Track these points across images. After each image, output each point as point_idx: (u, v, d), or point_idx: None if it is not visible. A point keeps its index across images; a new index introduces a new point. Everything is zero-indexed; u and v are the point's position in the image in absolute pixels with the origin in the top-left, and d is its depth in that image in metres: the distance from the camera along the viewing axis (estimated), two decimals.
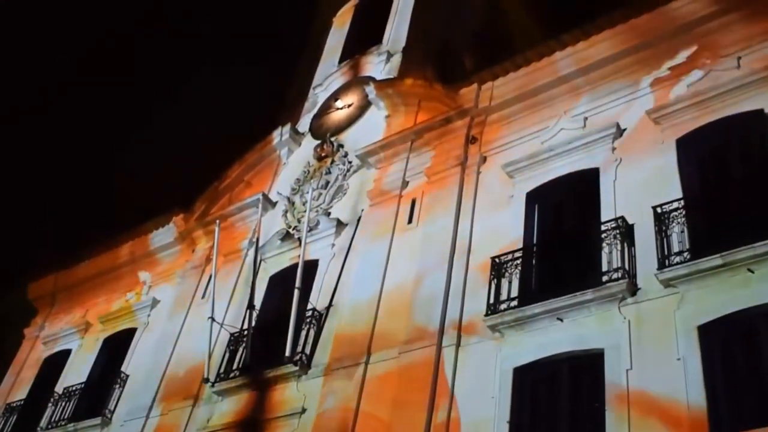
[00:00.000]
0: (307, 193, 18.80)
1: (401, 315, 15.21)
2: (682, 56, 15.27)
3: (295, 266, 17.18)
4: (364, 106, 20.59)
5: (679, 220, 12.79)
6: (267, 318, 17.71)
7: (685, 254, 12.35)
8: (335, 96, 21.88)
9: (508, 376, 13.05)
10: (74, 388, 20.84)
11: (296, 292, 16.21)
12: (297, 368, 15.80)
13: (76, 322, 23.55)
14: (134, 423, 18.36)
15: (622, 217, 13.54)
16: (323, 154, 20.21)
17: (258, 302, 17.92)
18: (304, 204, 19.06)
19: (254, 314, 17.35)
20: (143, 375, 19.43)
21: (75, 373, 21.74)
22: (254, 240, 19.31)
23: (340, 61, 23.41)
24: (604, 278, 12.90)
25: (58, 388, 21.42)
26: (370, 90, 20.21)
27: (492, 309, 13.86)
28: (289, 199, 20.03)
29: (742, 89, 13.86)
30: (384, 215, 17.44)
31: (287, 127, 21.70)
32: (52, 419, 20.47)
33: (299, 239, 18.09)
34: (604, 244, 13.34)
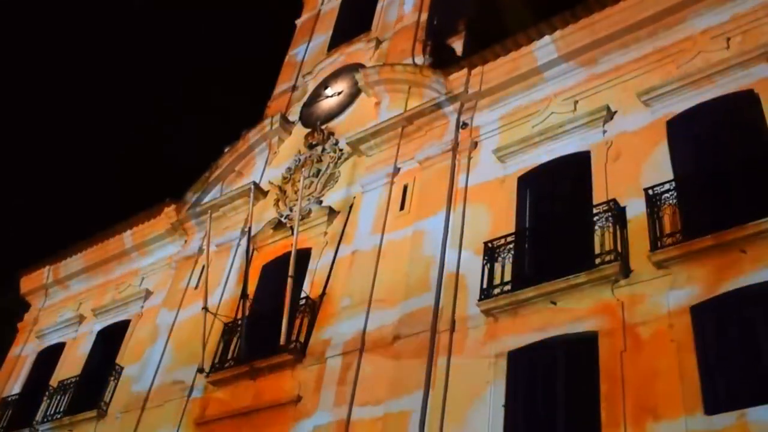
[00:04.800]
0: (299, 181, 18.80)
1: (395, 301, 15.21)
2: (671, 37, 15.25)
3: (287, 255, 17.15)
4: (354, 93, 20.55)
5: (671, 201, 12.80)
6: (261, 307, 17.69)
7: (677, 235, 12.36)
8: (325, 84, 21.84)
9: (503, 360, 13.07)
10: (69, 382, 20.80)
11: (289, 281, 16.19)
12: (291, 357, 15.80)
13: (70, 315, 23.52)
14: (130, 415, 18.34)
15: (614, 200, 13.55)
16: (314, 143, 20.16)
17: (251, 291, 17.90)
18: (295, 192, 19.02)
19: (248, 304, 17.35)
20: (138, 366, 19.41)
21: (69, 366, 21.72)
22: (246, 229, 19.29)
23: (329, 49, 23.36)
24: (597, 261, 12.90)
25: (53, 382, 21.40)
26: (360, 77, 20.17)
27: (485, 294, 13.86)
28: (280, 188, 19.98)
29: (731, 69, 13.86)
30: (376, 202, 17.42)
31: (277, 116, 21.64)
32: (48, 413, 20.47)
33: (291, 228, 18.04)
34: (596, 227, 13.35)
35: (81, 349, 22.05)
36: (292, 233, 17.54)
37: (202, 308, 17.51)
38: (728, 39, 14.40)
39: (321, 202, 18.70)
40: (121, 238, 23.53)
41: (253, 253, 18.92)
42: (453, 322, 14.15)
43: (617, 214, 13.34)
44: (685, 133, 13.96)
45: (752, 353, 10.95)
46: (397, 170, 17.75)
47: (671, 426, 10.85)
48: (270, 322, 16.43)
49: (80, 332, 22.76)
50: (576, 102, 15.89)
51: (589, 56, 16.17)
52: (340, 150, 19.37)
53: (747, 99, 13.45)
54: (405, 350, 14.23)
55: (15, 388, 22.88)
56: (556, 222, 14.60)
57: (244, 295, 17.41)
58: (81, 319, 23.05)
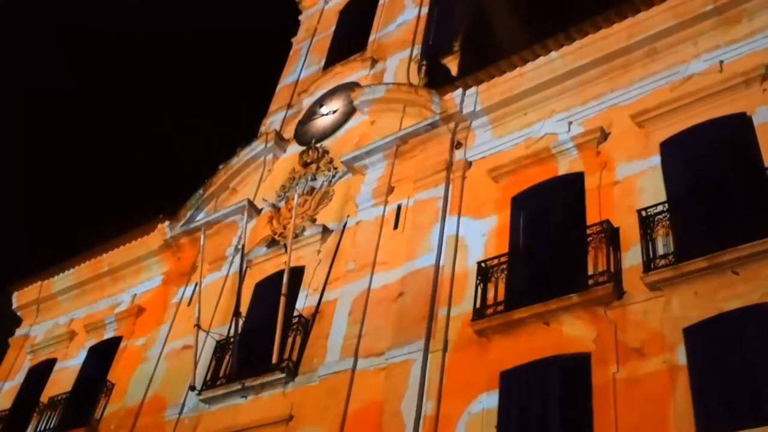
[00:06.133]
0: (293, 199, 18.80)
1: (388, 320, 15.20)
2: (665, 60, 15.34)
3: (281, 273, 17.15)
4: (349, 112, 20.61)
5: (663, 223, 12.85)
6: (253, 325, 17.63)
7: (670, 257, 12.39)
8: (320, 102, 21.90)
9: (495, 380, 13.04)
10: (60, 398, 20.69)
11: (282, 299, 16.17)
12: (284, 375, 15.75)
13: (61, 330, 23.43)
14: None
15: (608, 221, 13.58)
16: (308, 161, 20.18)
17: (244, 309, 17.85)
18: (289, 210, 19.02)
19: (240, 321, 17.30)
20: (129, 383, 19.30)
21: (60, 382, 21.59)
22: (240, 247, 19.26)
23: (324, 68, 23.45)
24: (590, 282, 12.92)
25: (44, 398, 21.28)
26: (355, 96, 20.22)
27: (478, 313, 13.86)
28: (274, 205, 19.98)
29: (725, 93, 13.94)
30: (370, 221, 17.43)
31: (272, 134, 21.68)
32: (38, 429, 20.34)
33: (285, 246, 18.04)
34: (589, 248, 13.38)
35: (72, 365, 21.95)
36: (286, 251, 17.54)
37: (195, 325, 17.47)
38: (721, 62, 14.50)
39: (315, 220, 18.69)
40: (114, 254, 23.50)
41: (246, 270, 18.90)
42: (446, 341, 14.14)
43: (610, 235, 13.37)
44: (679, 154, 14.01)
45: (745, 375, 10.94)
46: (391, 189, 17.75)
47: None
48: (262, 340, 16.39)
49: (72, 348, 22.65)
50: (570, 123, 15.95)
51: (583, 77, 16.25)
52: (335, 168, 19.40)
53: (740, 121, 13.52)
54: (397, 370, 14.20)
55: (5, 404, 22.73)
56: (550, 242, 14.60)
57: (236, 312, 17.36)
58: (72, 334, 22.96)
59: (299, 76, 24.16)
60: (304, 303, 17.07)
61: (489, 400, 12.87)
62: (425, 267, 15.55)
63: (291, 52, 25.88)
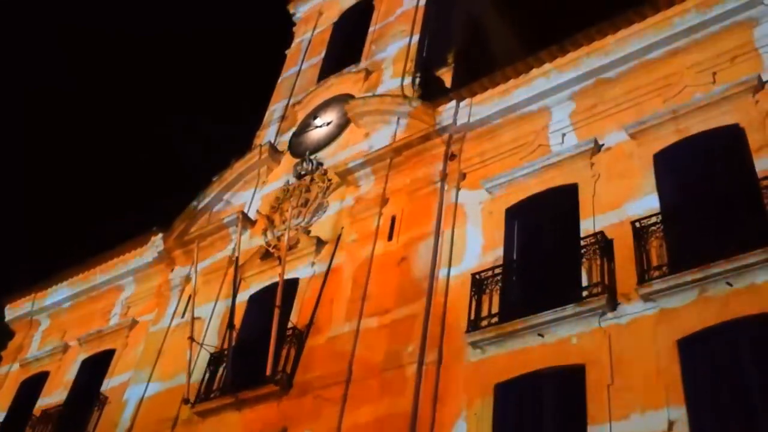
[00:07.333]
0: (287, 211, 18.79)
1: (382, 332, 15.17)
2: (658, 71, 15.39)
3: (275, 285, 17.11)
4: (343, 123, 20.62)
5: (657, 234, 12.85)
6: (247, 337, 17.60)
7: (664, 268, 12.39)
8: (314, 114, 21.90)
9: (490, 392, 13.02)
10: (52, 411, 20.58)
11: (276, 311, 16.14)
12: (278, 388, 15.69)
13: (54, 343, 23.32)
14: None
15: (601, 232, 13.59)
16: (303, 172, 20.18)
17: (238, 321, 17.80)
18: (283, 222, 19.01)
19: (234, 334, 17.24)
20: (122, 396, 19.22)
21: (53, 396, 21.49)
22: (234, 259, 19.22)
23: (319, 79, 23.46)
24: (584, 293, 12.92)
25: (36, 411, 21.15)
26: (349, 108, 20.23)
27: (473, 325, 13.84)
28: (268, 217, 19.96)
29: (717, 104, 13.98)
30: (364, 233, 17.41)
31: (266, 146, 21.68)
32: None
33: (279, 258, 18.01)
34: (583, 259, 13.38)
35: (65, 378, 21.84)
36: (280, 263, 17.50)
37: (188, 338, 17.40)
38: (714, 73, 14.55)
39: (309, 232, 18.67)
40: (107, 267, 23.44)
41: (240, 282, 18.85)
42: (440, 354, 14.11)
43: (604, 246, 13.38)
44: (672, 165, 14.04)
45: (739, 387, 10.94)
46: (385, 201, 17.75)
47: None
48: (257, 353, 16.35)
49: (65, 361, 22.55)
50: (563, 135, 15.98)
51: (576, 89, 16.29)
52: (329, 180, 19.39)
53: (732, 133, 13.55)
54: (392, 382, 14.17)
55: None
56: (544, 254, 14.60)
57: (230, 324, 17.29)
58: (66, 347, 22.85)
59: (293, 87, 24.17)
60: (299, 315, 17.02)
61: (483, 413, 12.83)
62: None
63: (285, 63, 25.90)
